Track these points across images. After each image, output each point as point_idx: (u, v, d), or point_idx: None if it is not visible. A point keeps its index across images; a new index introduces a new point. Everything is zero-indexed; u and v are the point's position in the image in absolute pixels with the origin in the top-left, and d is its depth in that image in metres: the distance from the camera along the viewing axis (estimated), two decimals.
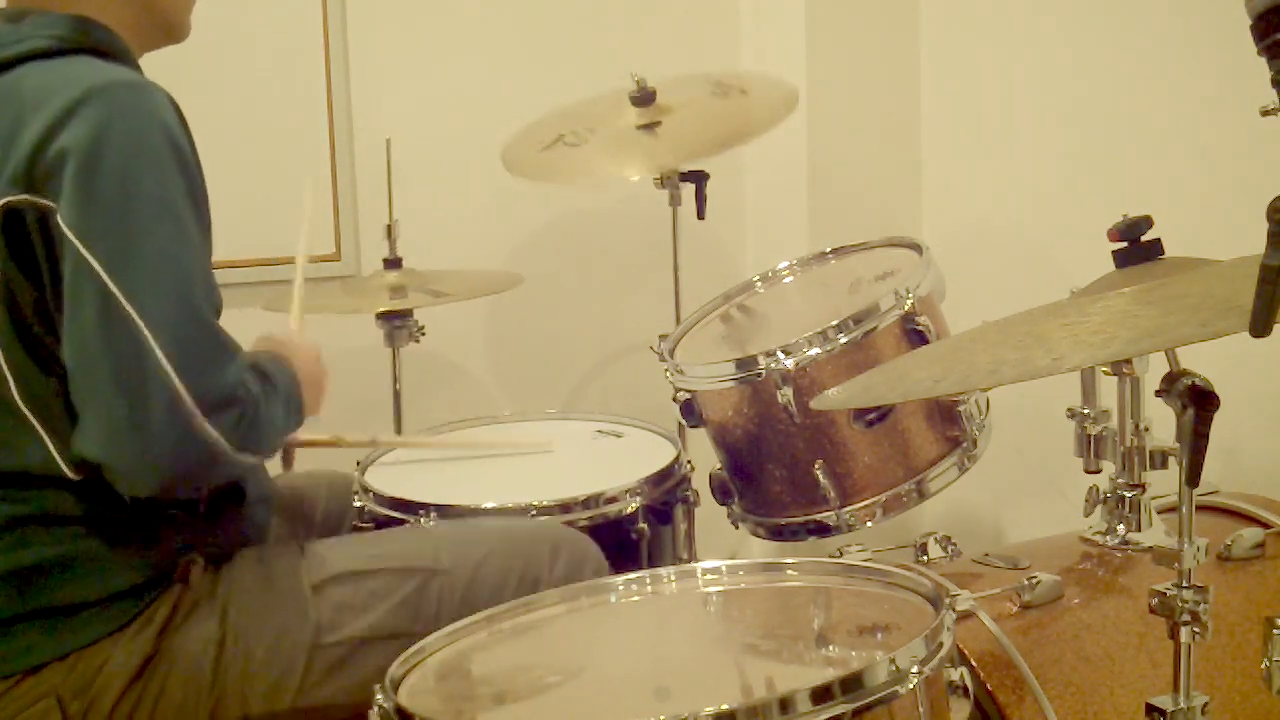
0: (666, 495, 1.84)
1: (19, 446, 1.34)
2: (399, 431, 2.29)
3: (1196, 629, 1.17)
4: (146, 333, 1.27)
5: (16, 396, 1.33)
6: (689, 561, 1.89)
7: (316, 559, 1.51)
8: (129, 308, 1.26)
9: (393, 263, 2.33)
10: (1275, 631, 1.17)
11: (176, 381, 1.27)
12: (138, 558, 1.39)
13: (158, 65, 1.50)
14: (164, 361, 1.27)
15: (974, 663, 1.39)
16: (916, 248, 1.87)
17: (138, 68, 1.45)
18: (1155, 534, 1.62)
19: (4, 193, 1.28)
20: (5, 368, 1.33)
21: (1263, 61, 0.89)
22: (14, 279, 1.30)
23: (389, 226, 2.32)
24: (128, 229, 1.28)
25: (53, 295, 1.30)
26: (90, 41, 1.38)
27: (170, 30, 1.51)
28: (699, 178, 2.32)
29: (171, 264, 1.31)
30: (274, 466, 1.62)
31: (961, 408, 1.74)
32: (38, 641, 1.35)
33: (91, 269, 1.26)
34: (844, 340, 1.70)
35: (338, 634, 1.45)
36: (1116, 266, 1.30)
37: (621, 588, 1.41)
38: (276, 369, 1.46)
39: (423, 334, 2.35)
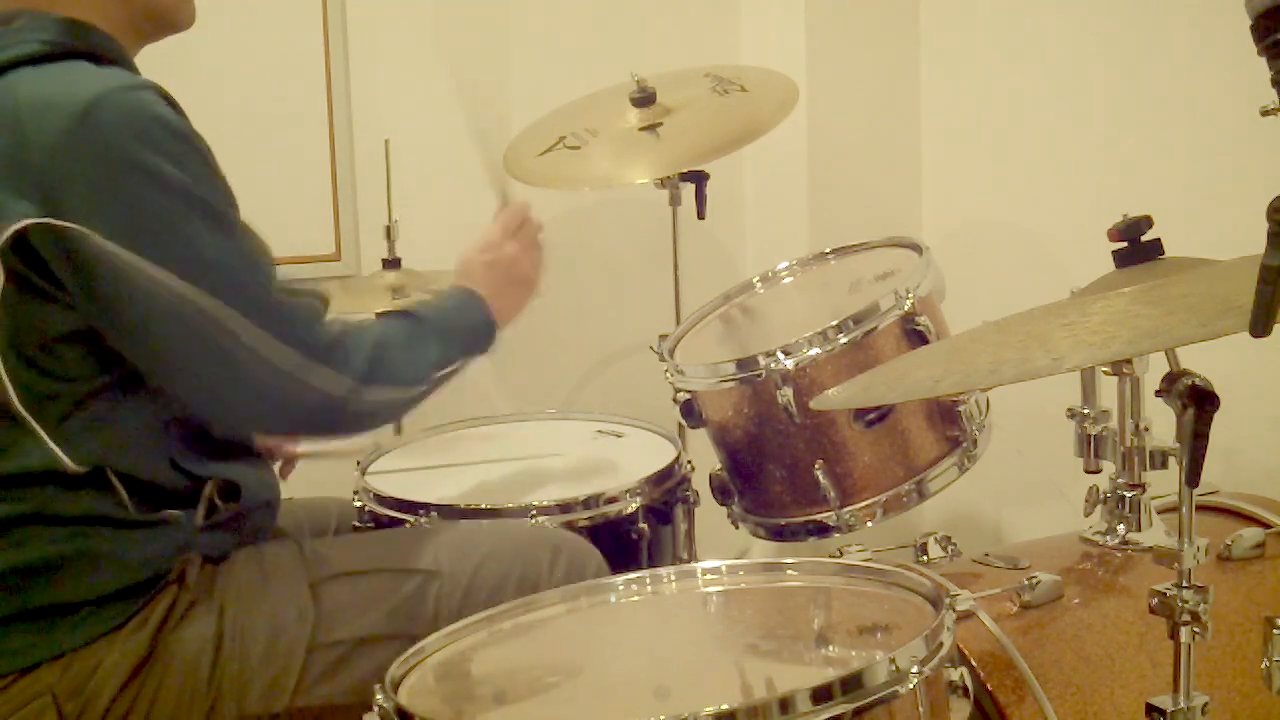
0: (667, 495, 1.84)
1: (18, 449, 1.34)
2: (399, 431, 2.28)
3: (1196, 629, 1.17)
4: (224, 318, 1.32)
5: (15, 401, 1.33)
6: (689, 561, 1.89)
7: (315, 558, 1.51)
8: (201, 300, 1.30)
9: (392, 263, 2.33)
10: (1275, 631, 1.17)
11: (268, 351, 1.34)
12: (134, 558, 1.39)
13: (157, 65, 1.49)
14: (250, 338, 1.33)
15: (974, 663, 1.39)
16: (916, 248, 1.87)
17: (132, 67, 1.44)
18: (1155, 534, 1.62)
19: (14, 210, 1.27)
20: (4, 376, 1.32)
21: (1263, 61, 0.89)
22: (15, 292, 1.30)
23: (389, 227, 2.32)
24: (163, 229, 1.30)
25: (93, 309, 1.31)
26: (83, 45, 1.38)
27: (165, 19, 1.48)
28: (699, 178, 2.31)
29: (216, 249, 1.33)
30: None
31: (961, 408, 1.74)
32: (33, 641, 1.35)
33: (151, 277, 1.28)
34: (844, 340, 1.70)
35: (335, 634, 1.44)
36: (1116, 266, 1.30)
37: (621, 588, 1.40)
38: (432, 307, 1.57)
39: None
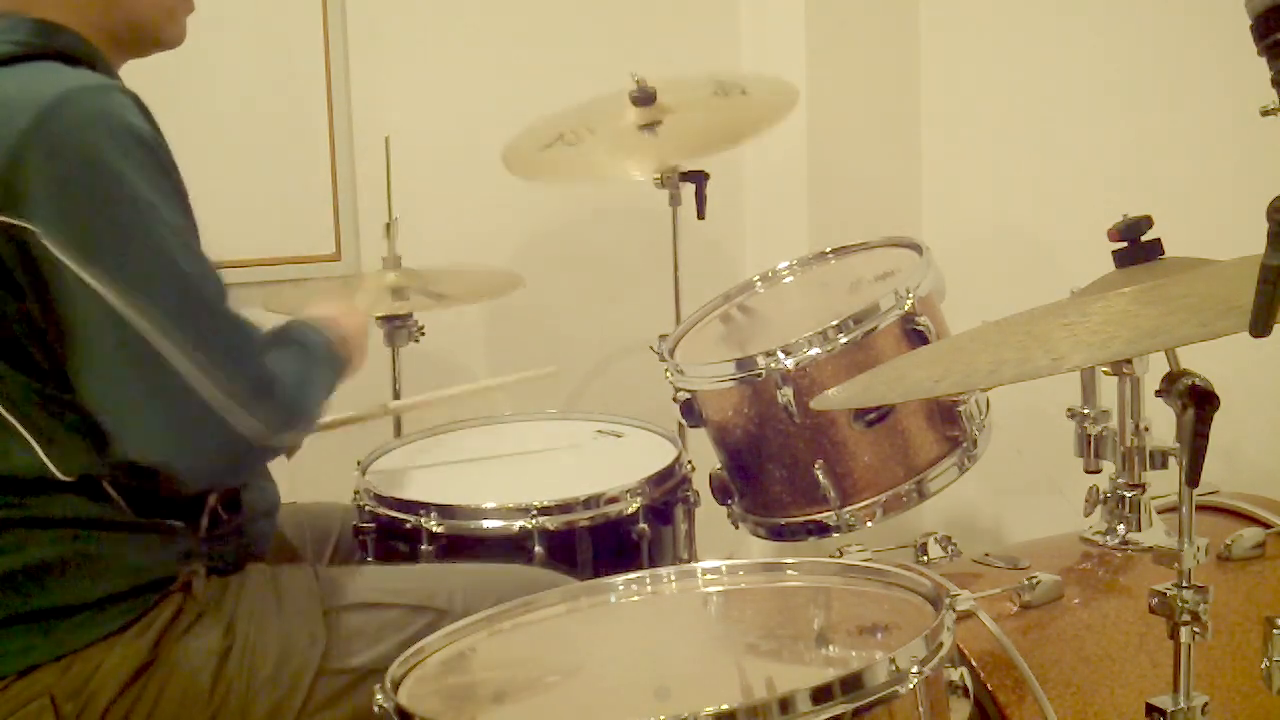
0: (667, 495, 1.84)
1: (8, 452, 1.33)
2: (399, 433, 2.28)
3: (1196, 629, 1.17)
4: (167, 341, 1.28)
5: None
6: (689, 561, 1.89)
7: (331, 585, 1.51)
8: (142, 321, 1.27)
9: (392, 262, 2.33)
10: (1275, 631, 1.18)
11: (208, 382, 1.30)
12: (134, 562, 1.38)
13: (158, 65, 1.49)
14: (191, 365, 1.29)
15: (974, 663, 1.39)
16: (916, 248, 1.87)
17: (109, 72, 1.42)
18: (1155, 534, 1.62)
19: None
20: None
21: (1263, 61, 0.89)
22: None
23: (388, 225, 2.32)
24: (118, 239, 1.27)
25: (39, 309, 1.29)
26: (55, 46, 1.36)
27: (148, 33, 1.46)
28: (699, 178, 2.31)
29: (171, 264, 1.30)
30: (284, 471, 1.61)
31: (961, 408, 1.74)
32: (32, 643, 1.34)
33: (91, 289, 1.26)
34: (844, 340, 1.70)
35: (345, 662, 1.43)
36: (1116, 266, 1.30)
37: (621, 588, 1.40)
38: (312, 332, 1.50)
39: (422, 334, 2.35)
